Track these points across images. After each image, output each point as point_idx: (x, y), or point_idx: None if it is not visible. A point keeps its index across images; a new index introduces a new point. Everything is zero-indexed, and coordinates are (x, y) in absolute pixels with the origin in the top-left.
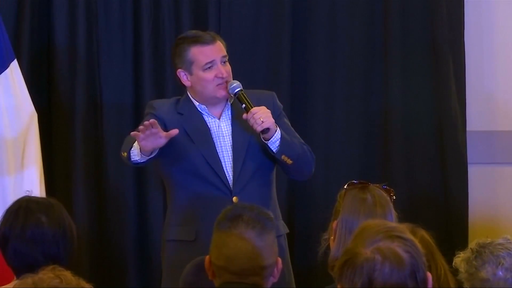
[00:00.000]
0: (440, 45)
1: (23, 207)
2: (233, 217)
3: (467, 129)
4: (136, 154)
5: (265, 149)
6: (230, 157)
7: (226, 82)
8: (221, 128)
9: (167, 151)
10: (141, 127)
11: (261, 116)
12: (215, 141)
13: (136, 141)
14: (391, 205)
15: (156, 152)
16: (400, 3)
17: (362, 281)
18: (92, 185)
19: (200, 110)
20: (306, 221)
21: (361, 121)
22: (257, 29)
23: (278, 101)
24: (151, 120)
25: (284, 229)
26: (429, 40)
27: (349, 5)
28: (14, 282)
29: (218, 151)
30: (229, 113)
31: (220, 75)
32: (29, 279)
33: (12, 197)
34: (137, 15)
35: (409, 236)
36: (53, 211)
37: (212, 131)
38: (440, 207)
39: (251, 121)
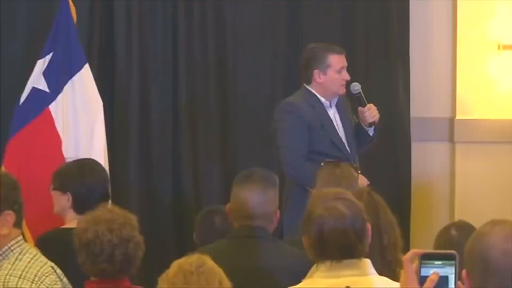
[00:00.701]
0: (391, 49)
1: (84, 165)
2: (245, 176)
3: (411, 115)
4: None
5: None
6: (343, 136)
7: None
8: (334, 116)
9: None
10: None
11: (374, 112)
12: (336, 127)
13: None
14: (356, 178)
15: None
16: (364, 21)
17: (315, 231)
18: (143, 159)
19: (323, 103)
20: None
21: None
22: (261, 39)
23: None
24: None
25: None
26: (384, 49)
27: (328, 23)
28: (72, 221)
29: (340, 134)
30: (334, 105)
31: (346, 78)
32: (89, 215)
33: None
34: (175, 29)
35: (351, 197)
36: (98, 167)
37: (332, 119)
38: (391, 174)
39: (366, 114)
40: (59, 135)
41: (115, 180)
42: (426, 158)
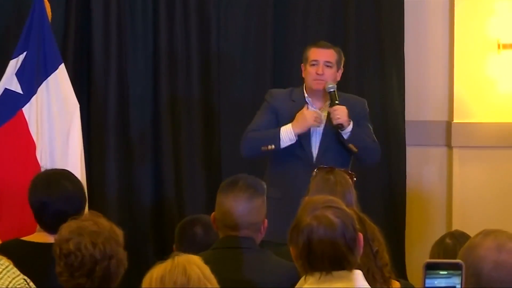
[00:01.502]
0: (384, 50)
1: (52, 178)
2: (231, 183)
3: (406, 118)
4: (288, 140)
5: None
6: (319, 139)
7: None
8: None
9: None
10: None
11: (338, 114)
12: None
13: (286, 131)
14: (351, 185)
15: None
16: (356, 19)
17: (303, 241)
18: (121, 161)
19: (307, 101)
20: None
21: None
22: (247, 37)
23: (367, 107)
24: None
25: None
26: (377, 49)
27: (317, 20)
28: (38, 233)
29: (311, 133)
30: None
31: (317, 72)
32: (73, 224)
33: None
34: (156, 25)
35: (342, 206)
36: (72, 178)
37: None
38: (385, 179)
39: (332, 115)
40: (32, 139)
41: (92, 186)
42: (421, 164)
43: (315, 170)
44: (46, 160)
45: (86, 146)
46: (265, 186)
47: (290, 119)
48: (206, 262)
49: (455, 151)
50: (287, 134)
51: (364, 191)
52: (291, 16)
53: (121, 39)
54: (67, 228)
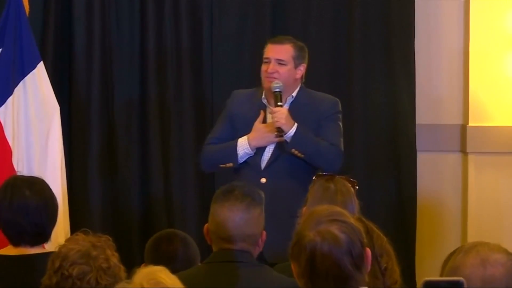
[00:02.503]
0: (393, 51)
1: (11, 184)
2: (226, 192)
3: (416, 122)
4: (246, 154)
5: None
6: (271, 146)
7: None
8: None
9: (234, 134)
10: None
11: (276, 116)
12: None
13: (243, 146)
14: (353, 194)
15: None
16: (361, 16)
17: (306, 259)
18: (105, 168)
19: (263, 102)
20: None
21: None
22: (242, 34)
23: (337, 107)
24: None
25: None
26: (385, 47)
27: (318, 18)
28: (9, 246)
29: None
30: (286, 108)
31: (264, 69)
32: (84, 243)
33: None
34: (143, 22)
35: (348, 219)
36: (36, 186)
37: (267, 121)
38: (393, 188)
39: (272, 118)
40: (8, 144)
41: (73, 193)
42: (434, 171)
43: (314, 177)
44: (23, 166)
45: (66, 151)
46: (263, 195)
47: (245, 124)
48: (198, 277)
49: (471, 157)
50: (244, 149)
51: (370, 200)
52: (290, 13)
53: (105, 35)
54: (76, 246)
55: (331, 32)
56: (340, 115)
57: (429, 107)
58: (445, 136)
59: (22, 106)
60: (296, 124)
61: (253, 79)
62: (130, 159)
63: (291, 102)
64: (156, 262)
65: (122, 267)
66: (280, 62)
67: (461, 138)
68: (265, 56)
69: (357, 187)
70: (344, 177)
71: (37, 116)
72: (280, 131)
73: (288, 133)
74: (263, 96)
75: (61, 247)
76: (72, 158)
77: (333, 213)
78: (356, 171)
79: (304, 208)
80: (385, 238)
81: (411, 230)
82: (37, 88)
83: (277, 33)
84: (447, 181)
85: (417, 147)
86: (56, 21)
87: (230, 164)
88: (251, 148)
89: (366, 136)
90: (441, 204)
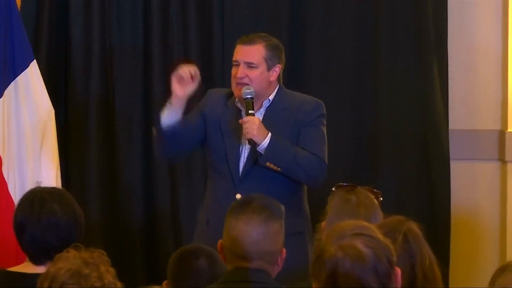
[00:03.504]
0: (425, 47)
1: (38, 197)
2: (242, 204)
3: (450, 127)
4: (165, 112)
5: None
6: (246, 154)
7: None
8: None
9: (206, 139)
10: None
11: (247, 127)
12: (237, 139)
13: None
14: (377, 206)
15: (181, 111)
16: (389, 9)
17: (327, 276)
18: (104, 177)
19: (238, 106)
20: None
21: (351, 120)
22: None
23: (319, 110)
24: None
25: (307, 227)
26: (415, 42)
27: (341, 11)
28: (26, 263)
29: (240, 148)
30: (262, 114)
31: (237, 75)
32: (74, 261)
33: (30, 186)
34: (147, 18)
35: (375, 233)
36: (64, 200)
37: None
38: (424, 200)
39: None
40: None
41: (71, 188)
42: (469, 182)
43: (333, 188)
44: (15, 176)
45: (62, 159)
46: (283, 209)
47: (219, 128)
48: None
49: (510, 166)
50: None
51: (399, 213)
52: (309, 7)
53: (105, 32)
54: (65, 265)
55: (355, 27)
56: (323, 119)
57: (464, 111)
58: (481, 143)
59: (13, 109)
60: (269, 135)
61: None
62: (133, 168)
63: (268, 106)
64: (179, 278)
65: (119, 284)
66: (250, 65)
67: (500, 145)
68: (233, 58)
69: (381, 199)
70: (367, 187)
71: (30, 121)
72: (251, 144)
73: (261, 145)
74: (236, 100)
75: (50, 266)
76: (69, 167)
77: (358, 227)
78: (381, 181)
79: (323, 223)
80: (434, 259)
81: (444, 247)
82: (29, 89)
83: (294, 31)
84: (484, 192)
85: (451, 155)
86: (51, 16)
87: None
88: (171, 103)
89: (393, 143)
90: (478, 218)
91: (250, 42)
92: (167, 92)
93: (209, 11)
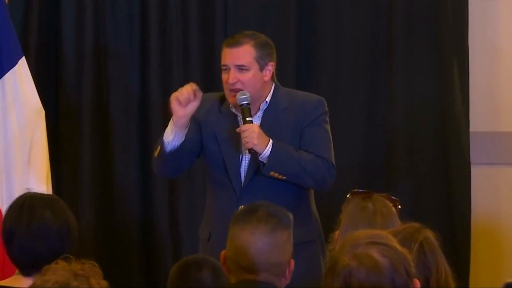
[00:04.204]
0: (444, 45)
1: (27, 203)
2: (248, 212)
3: (471, 129)
4: (169, 133)
5: None
6: (246, 163)
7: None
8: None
9: (203, 149)
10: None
11: (247, 136)
12: (236, 147)
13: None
14: (395, 215)
15: (187, 128)
16: (405, 5)
17: (340, 286)
18: (98, 183)
19: (233, 111)
20: None
21: (365, 122)
22: (263, 30)
23: (321, 107)
24: (194, 87)
25: (318, 234)
26: (433, 39)
27: (353, 6)
28: (16, 276)
29: (240, 157)
30: (260, 117)
31: (228, 81)
32: (62, 272)
33: (18, 193)
34: (145, 14)
35: (392, 242)
36: (56, 207)
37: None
38: (443, 208)
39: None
40: None
41: (62, 198)
42: (491, 187)
43: (348, 195)
44: (1, 181)
45: (53, 164)
46: (291, 217)
47: (215, 138)
48: None
49: None
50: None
51: (418, 220)
52: (318, 5)
53: (99, 27)
54: (53, 277)
55: (368, 26)
56: (326, 117)
57: (486, 112)
58: (504, 146)
59: (0, 110)
60: (271, 142)
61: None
62: (129, 176)
63: (265, 109)
64: None
65: None
66: (241, 68)
67: None
68: (222, 63)
69: (399, 207)
70: (384, 194)
71: (18, 122)
72: (252, 153)
73: (262, 154)
74: (231, 105)
75: (37, 279)
76: (60, 172)
77: (373, 236)
78: (399, 187)
79: (336, 232)
80: (451, 273)
81: (464, 256)
82: (18, 88)
83: (304, 29)
84: (506, 199)
85: (472, 159)
86: (40, 10)
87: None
88: (175, 125)
89: (410, 146)
90: (499, 225)
91: (237, 43)
92: (167, 112)
93: (212, 7)
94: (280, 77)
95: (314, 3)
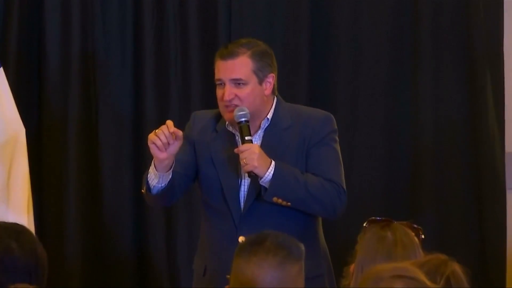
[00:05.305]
0: (476, 55)
1: None
2: (254, 243)
3: (506, 150)
4: (153, 177)
5: None
6: (246, 186)
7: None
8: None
9: (198, 173)
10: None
11: (246, 158)
12: (235, 169)
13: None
14: (417, 245)
15: (171, 168)
16: (432, 5)
17: None
18: (87, 212)
19: (230, 130)
20: None
21: (386, 141)
22: (271, 31)
23: (329, 125)
24: (172, 129)
25: (327, 268)
26: (464, 49)
27: (374, 2)
28: None
29: (239, 181)
30: (261, 136)
31: (224, 98)
32: None
33: None
34: (139, 18)
35: (419, 275)
36: (24, 238)
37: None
38: (475, 237)
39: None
40: None
41: (45, 239)
42: None
43: (365, 224)
44: None
45: (35, 185)
46: (303, 248)
47: (211, 160)
48: None
49: None
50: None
51: (444, 252)
52: (335, 3)
53: (87, 33)
54: None
55: (390, 32)
56: (335, 135)
57: None
58: None
59: None
60: (273, 164)
61: (282, 91)
62: (121, 200)
63: (267, 127)
64: None
65: None
66: (238, 83)
67: None
68: (216, 77)
69: (422, 236)
70: (405, 222)
71: None
72: (252, 176)
73: (264, 178)
74: (227, 123)
75: None
76: (43, 195)
77: (398, 269)
78: (424, 214)
79: (352, 266)
80: None
81: None
82: None
83: (318, 29)
84: None
85: (507, 184)
86: (21, 12)
87: (143, 190)
88: (157, 169)
89: (438, 168)
90: None
91: (231, 54)
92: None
93: (214, 7)
94: (289, 86)
95: (328, 8)
